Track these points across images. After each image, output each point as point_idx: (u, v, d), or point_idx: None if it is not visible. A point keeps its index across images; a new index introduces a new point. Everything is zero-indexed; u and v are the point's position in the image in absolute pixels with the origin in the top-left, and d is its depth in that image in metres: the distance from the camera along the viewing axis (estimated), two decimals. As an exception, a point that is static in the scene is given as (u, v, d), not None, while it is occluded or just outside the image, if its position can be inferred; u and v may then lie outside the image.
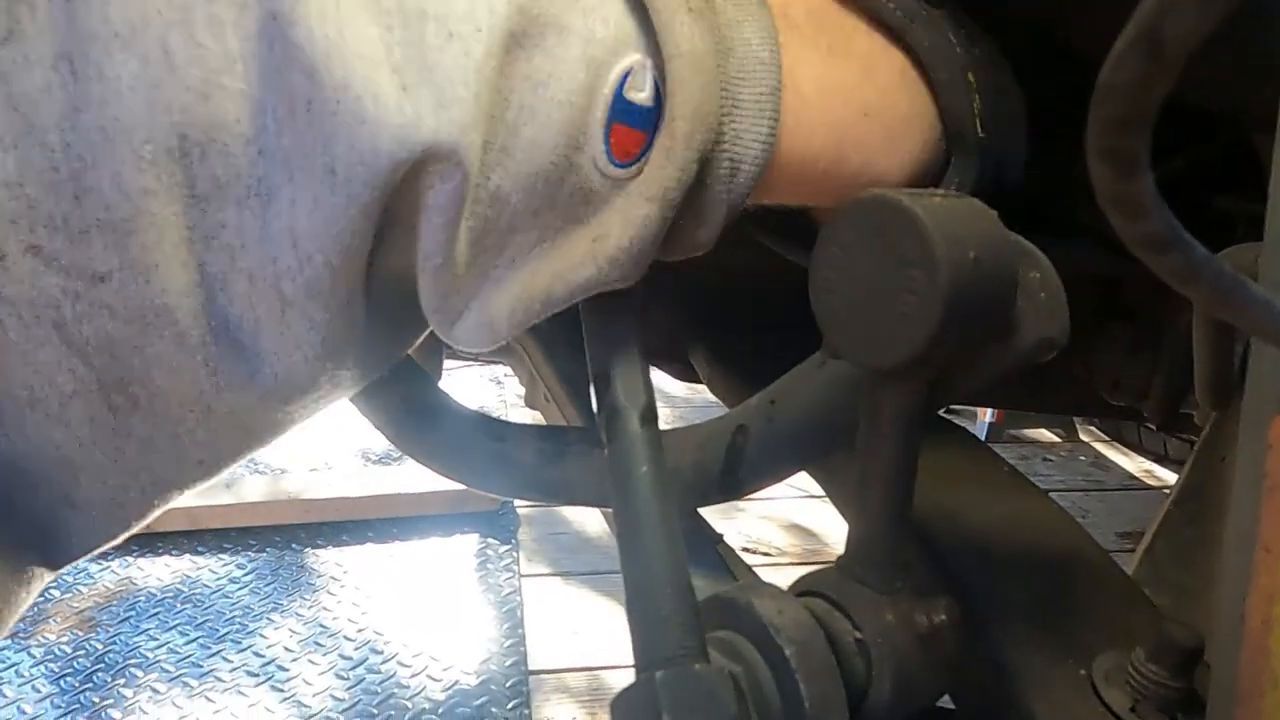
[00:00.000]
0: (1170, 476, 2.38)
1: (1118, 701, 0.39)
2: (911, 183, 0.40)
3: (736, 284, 0.77)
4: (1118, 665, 0.40)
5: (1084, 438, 2.63)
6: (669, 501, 0.36)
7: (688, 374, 0.82)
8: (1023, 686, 0.42)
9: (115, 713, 1.49)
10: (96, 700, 1.51)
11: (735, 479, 0.47)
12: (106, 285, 0.30)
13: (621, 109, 0.32)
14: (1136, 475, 2.45)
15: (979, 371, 0.35)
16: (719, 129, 0.33)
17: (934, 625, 0.36)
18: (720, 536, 0.64)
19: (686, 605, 0.34)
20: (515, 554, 1.94)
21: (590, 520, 2.02)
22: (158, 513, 0.37)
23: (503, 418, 0.60)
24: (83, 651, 1.63)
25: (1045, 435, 2.66)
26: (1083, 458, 2.54)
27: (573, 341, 0.40)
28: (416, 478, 2.00)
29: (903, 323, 0.31)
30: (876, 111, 0.38)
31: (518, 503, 2.08)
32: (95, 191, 0.29)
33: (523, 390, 1.08)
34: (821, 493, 0.62)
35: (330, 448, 2.33)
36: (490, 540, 1.98)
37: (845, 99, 0.37)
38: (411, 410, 0.58)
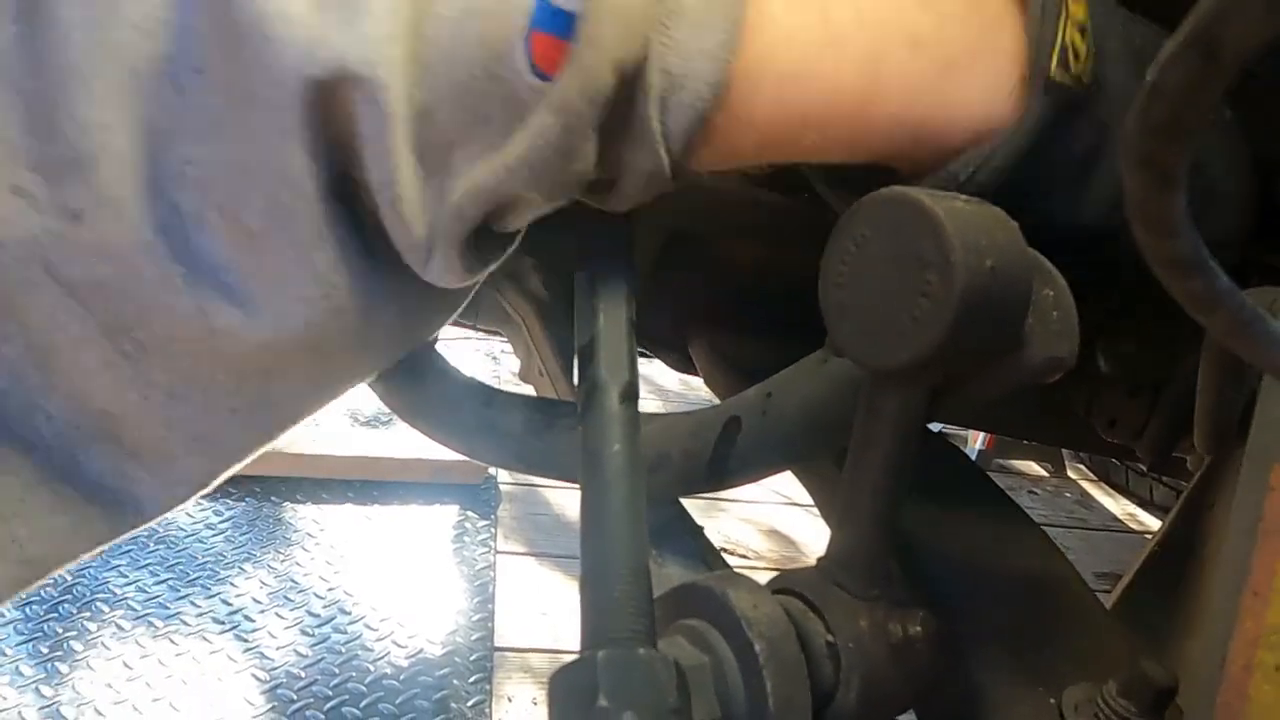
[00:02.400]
0: (1154, 522, 2.38)
1: (1084, 733, 0.39)
2: (981, 139, 0.34)
3: (743, 278, 0.76)
4: (1087, 697, 0.40)
5: (1071, 474, 2.63)
6: (638, 484, 0.36)
7: (684, 364, 0.81)
8: (989, 708, 0.41)
9: (77, 644, 1.48)
10: (60, 630, 1.50)
11: (723, 470, 0.47)
12: (82, 224, 0.30)
13: (542, 16, 0.29)
14: (1120, 517, 2.45)
15: (983, 385, 0.34)
16: (646, 36, 0.30)
17: (908, 636, 0.35)
18: (700, 529, 0.64)
19: (640, 589, 0.34)
20: (493, 530, 1.93)
21: (570, 503, 2.02)
22: (223, 473, 0.37)
23: (494, 387, 0.59)
24: (50, 580, 1.62)
25: (1033, 468, 2.66)
26: (1068, 494, 2.54)
27: (571, 315, 0.39)
28: (402, 443, 1.99)
29: (912, 325, 0.30)
30: (929, 40, 0.32)
31: (500, 479, 2.08)
32: (61, 131, 0.30)
33: (518, 368, 1.08)
34: (803, 500, 0.62)
35: (319, 405, 2.31)
36: (469, 513, 1.98)
37: (878, 20, 0.32)
38: (403, 366, 0.57)
